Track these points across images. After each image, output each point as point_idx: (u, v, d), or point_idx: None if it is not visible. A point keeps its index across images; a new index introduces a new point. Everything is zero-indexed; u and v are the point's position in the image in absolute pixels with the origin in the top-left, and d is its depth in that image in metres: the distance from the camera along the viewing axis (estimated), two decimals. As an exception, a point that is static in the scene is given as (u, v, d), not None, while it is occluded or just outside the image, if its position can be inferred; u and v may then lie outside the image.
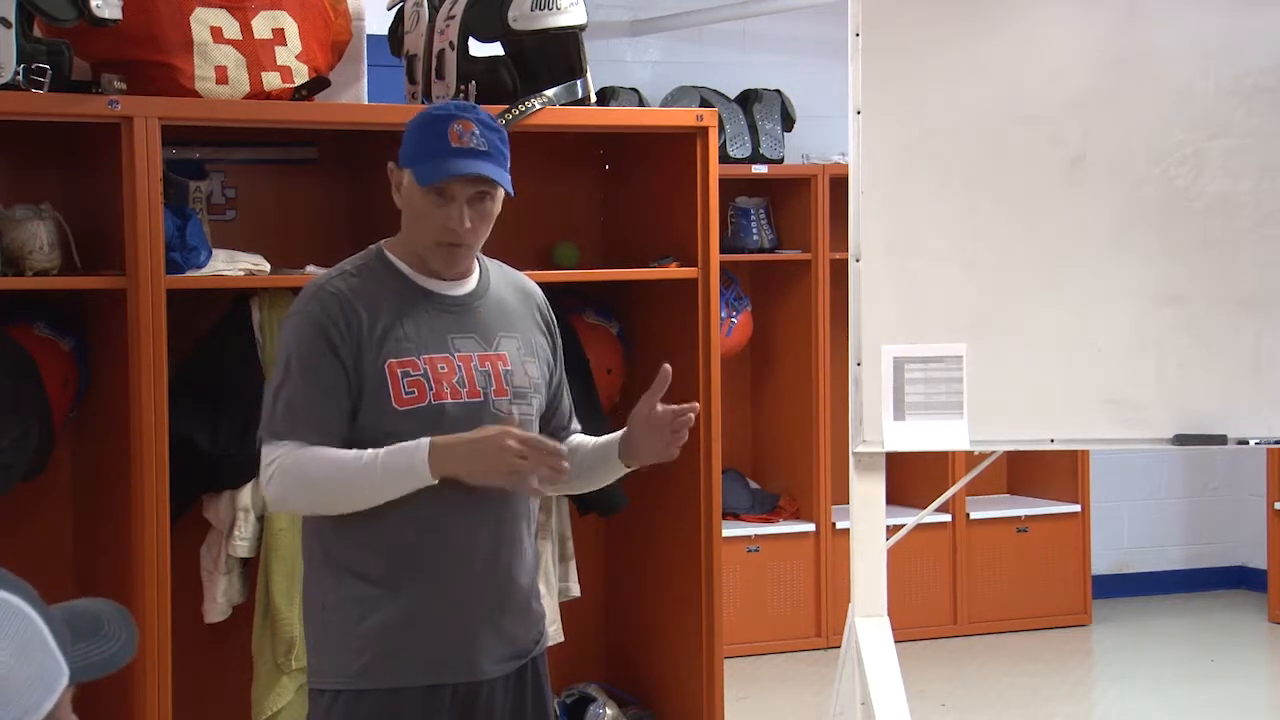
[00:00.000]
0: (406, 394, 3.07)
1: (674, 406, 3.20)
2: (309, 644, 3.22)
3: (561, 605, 4.86)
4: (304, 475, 3.05)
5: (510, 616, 3.17)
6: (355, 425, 3.08)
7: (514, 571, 3.18)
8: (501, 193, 3.15)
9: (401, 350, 3.08)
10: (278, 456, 3.07)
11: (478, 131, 3.10)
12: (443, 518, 3.08)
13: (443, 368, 3.10)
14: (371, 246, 3.23)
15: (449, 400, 3.08)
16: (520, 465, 2.98)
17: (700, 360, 4.75)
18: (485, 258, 3.29)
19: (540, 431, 3.26)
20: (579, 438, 3.39)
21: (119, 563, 4.19)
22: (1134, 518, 8.60)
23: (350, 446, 3.07)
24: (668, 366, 3.24)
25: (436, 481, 3.01)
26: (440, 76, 4.53)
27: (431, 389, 3.08)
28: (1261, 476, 7.99)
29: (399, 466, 3.01)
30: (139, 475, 4.09)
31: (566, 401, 3.39)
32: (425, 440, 3.01)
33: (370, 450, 3.03)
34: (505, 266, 3.35)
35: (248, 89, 4.28)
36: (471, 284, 3.21)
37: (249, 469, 4.27)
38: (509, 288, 3.29)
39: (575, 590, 4.90)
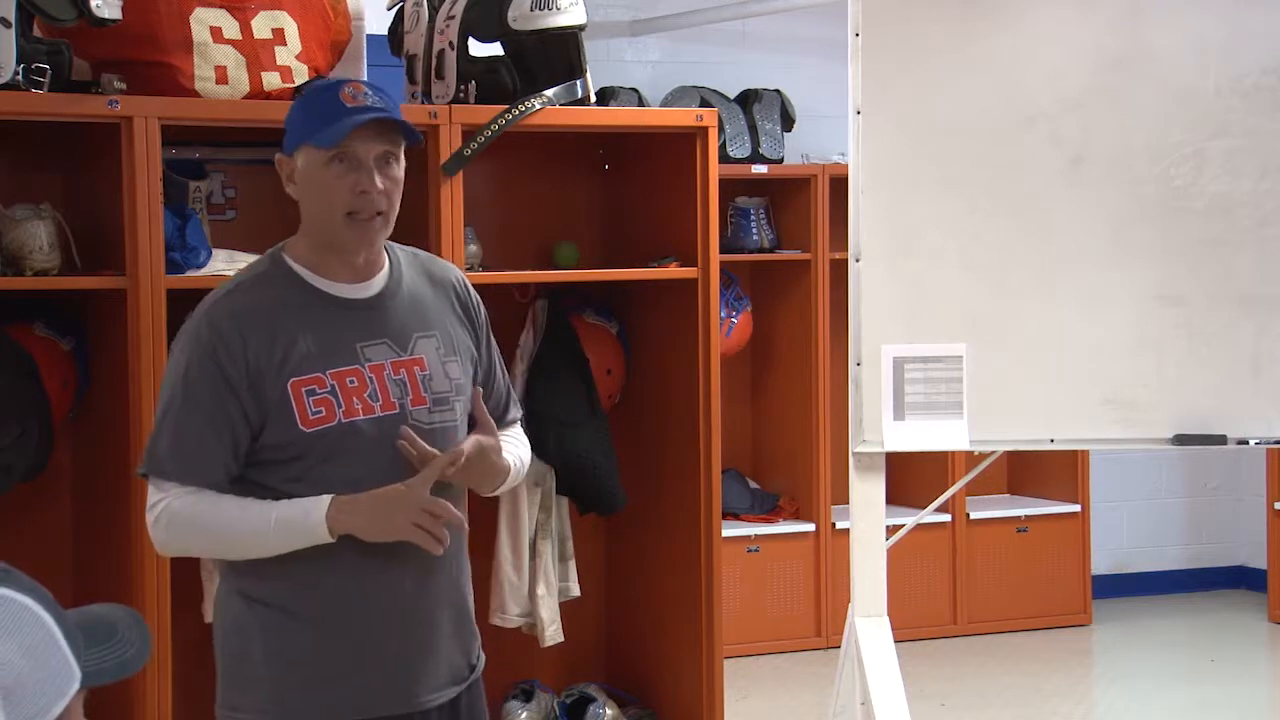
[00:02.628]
0: (313, 414, 2.85)
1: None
2: (220, 672, 3.01)
3: (561, 605, 4.86)
4: (193, 525, 2.87)
5: (444, 642, 2.99)
6: (263, 447, 2.88)
7: (443, 593, 2.99)
8: (403, 160, 2.95)
9: (305, 367, 2.86)
10: (162, 500, 2.88)
11: (369, 91, 2.93)
12: (359, 544, 2.88)
13: (352, 381, 2.88)
14: (270, 250, 3.03)
15: (361, 417, 2.87)
16: (418, 534, 2.83)
17: (700, 360, 4.75)
18: (396, 246, 3.06)
19: (470, 428, 3.04)
20: (516, 430, 3.20)
21: (119, 563, 4.19)
22: (1134, 518, 8.60)
23: (257, 470, 2.88)
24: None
25: (334, 540, 2.83)
26: (440, 76, 4.53)
27: (341, 406, 2.87)
28: (1261, 476, 8.00)
29: (294, 523, 2.83)
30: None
31: (501, 386, 3.15)
32: (324, 499, 2.82)
33: (264, 503, 2.84)
34: (418, 252, 3.13)
35: (248, 89, 4.28)
36: (380, 282, 2.98)
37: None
38: (421, 278, 3.04)
39: (575, 590, 4.90)
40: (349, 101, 2.89)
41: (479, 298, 3.13)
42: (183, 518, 2.86)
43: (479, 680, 3.10)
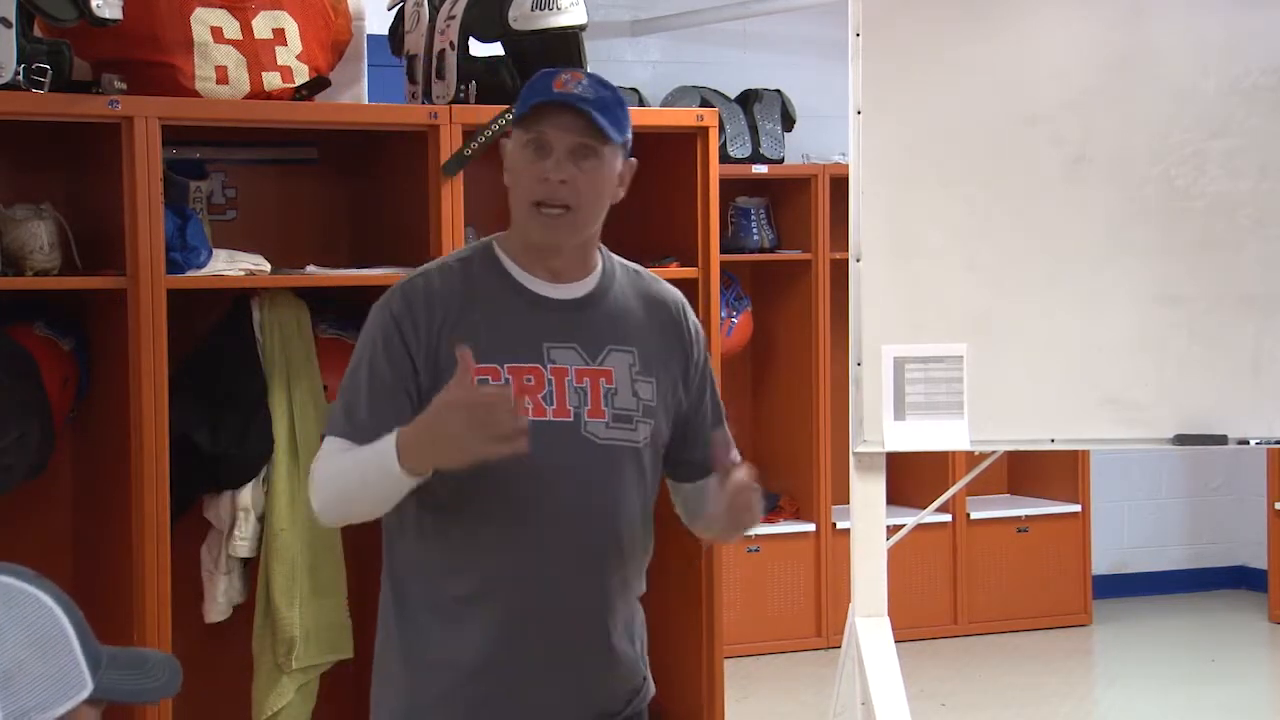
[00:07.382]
0: None
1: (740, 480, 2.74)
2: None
3: (562, 605, 4.85)
4: (321, 473, 2.71)
5: (592, 674, 2.80)
6: None
7: (603, 624, 2.79)
8: (615, 160, 2.78)
9: (484, 354, 2.64)
10: (318, 457, 2.75)
11: (586, 82, 2.72)
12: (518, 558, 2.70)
13: (529, 379, 2.68)
14: (485, 238, 2.87)
15: (530, 418, 2.58)
16: (491, 442, 2.51)
17: (700, 360, 4.74)
18: (618, 259, 2.91)
19: (671, 471, 2.93)
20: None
21: (119, 563, 4.19)
22: (1134, 518, 8.60)
23: None
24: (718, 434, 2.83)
25: (410, 476, 2.58)
26: (440, 76, 4.53)
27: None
28: (1262, 476, 8.00)
29: (372, 457, 2.61)
30: (139, 475, 4.09)
31: (721, 433, 2.90)
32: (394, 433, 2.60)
33: (358, 450, 2.65)
34: (641, 270, 2.93)
35: (248, 89, 4.28)
36: (587, 286, 2.80)
37: (249, 469, 4.27)
38: (636, 294, 2.85)
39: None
40: (558, 86, 2.69)
41: (700, 329, 2.92)
42: (317, 470, 2.70)
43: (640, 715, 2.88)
